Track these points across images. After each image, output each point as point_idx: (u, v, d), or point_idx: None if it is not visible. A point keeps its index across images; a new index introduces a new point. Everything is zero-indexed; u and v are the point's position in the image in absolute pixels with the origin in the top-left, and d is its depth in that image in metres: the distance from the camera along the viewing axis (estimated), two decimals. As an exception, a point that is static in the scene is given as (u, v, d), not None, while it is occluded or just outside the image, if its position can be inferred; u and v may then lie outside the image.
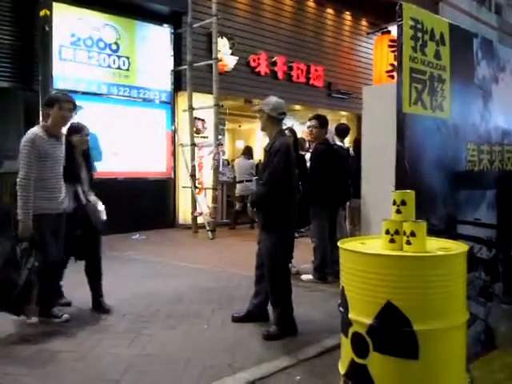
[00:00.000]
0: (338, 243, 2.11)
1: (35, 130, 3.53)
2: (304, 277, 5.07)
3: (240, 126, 13.96)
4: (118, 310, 4.02)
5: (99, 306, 3.98)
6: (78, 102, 7.77)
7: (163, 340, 3.39)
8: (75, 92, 7.58)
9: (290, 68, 10.94)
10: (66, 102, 3.65)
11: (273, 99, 3.63)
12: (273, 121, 3.58)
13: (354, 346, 2.00)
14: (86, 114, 7.77)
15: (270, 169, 3.43)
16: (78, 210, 3.87)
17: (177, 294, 4.52)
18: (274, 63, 10.63)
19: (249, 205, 3.74)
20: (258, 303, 3.74)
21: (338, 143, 5.86)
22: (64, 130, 3.85)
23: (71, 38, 7.69)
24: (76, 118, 7.74)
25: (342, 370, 2.08)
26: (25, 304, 3.38)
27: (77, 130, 3.92)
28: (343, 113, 12.81)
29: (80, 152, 3.97)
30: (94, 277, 4.02)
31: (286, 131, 4.65)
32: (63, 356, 3.09)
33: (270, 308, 3.69)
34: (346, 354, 2.05)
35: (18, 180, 3.44)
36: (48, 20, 7.24)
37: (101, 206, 4.10)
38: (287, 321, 3.51)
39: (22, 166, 3.45)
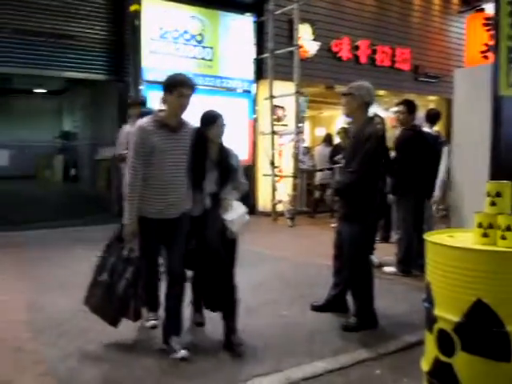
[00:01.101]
0: (425, 236, 2.02)
1: (143, 120, 2.97)
2: (387, 269, 4.93)
3: (321, 113, 13.77)
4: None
5: (230, 346, 3.02)
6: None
7: (241, 326, 3.47)
8: (163, 83, 7.91)
9: (374, 52, 10.57)
10: (186, 87, 2.94)
11: (365, 84, 3.52)
12: (364, 106, 3.49)
13: (439, 344, 1.92)
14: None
15: (361, 157, 3.32)
16: (203, 217, 3.09)
17: (256, 280, 4.60)
18: (357, 47, 10.34)
19: (330, 192, 3.65)
20: (336, 294, 3.71)
21: (427, 130, 5.58)
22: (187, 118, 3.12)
23: (159, 31, 8.01)
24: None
25: (425, 367, 2.01)
26: (120, 316, 3.05)
27: (211, 119, 3.13)
28: (431, 97, 12.16)
29: (216, 146, 3.14)
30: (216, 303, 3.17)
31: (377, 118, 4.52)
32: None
33: (349, 299, 3.64)
34: (430, 351, 1.97)
35: (126, 177, 2.97)
36: (138, 15, 7.62)
37: (233, 214, 3.13)
38: (367, 313, 3.45)
39: (129, 162, 2.95)
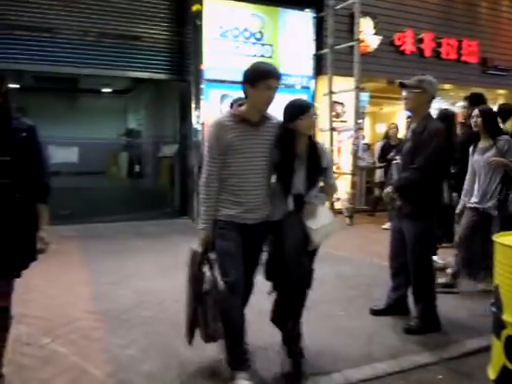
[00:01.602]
0: (493, 237, 1.92)
1: (221, 115, 2.72)
2: (451, 271, 4.73)
3: (381, 109, 13.42)
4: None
5: (298, 374, 2.66)
6: (225, 91, 8.37)
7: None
8: (223, 81, 8.04)
9: (439, 45, 10.15)
10: (274, 79, 2.58)
11: (432, 78, 3.39)
12: (429, 102, 3.37)
13: (507, 351, 1.82)
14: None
15: (428, 153, 3.19)
16: (283, 221, 2.67)
17: (315, 278, 4.56)
18: (421, 40, 9.97)
19: (390, 189, 3.46)
20: (397, 298, 3.59)
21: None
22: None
23: (219, 30, 8.12)
24: (222, 107, 8.27)
25: (492, 374, 1.92)
26: (192, 333, 2.68)
27: (301, 109, 2.70)
28: (500, 91, 11.51)
29: (305, 141, 2.70)
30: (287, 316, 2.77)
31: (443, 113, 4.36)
32: None
33: (410, 301, 3.53)
34: (498, 358, 1.87)
35: (201, 179, 2.67)
36: (199, 15, 7.77)
37: (318, 222, 2.67)
38: (430, 316, 3.33)
39: (204, 161, 2.64)
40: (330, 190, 2.88)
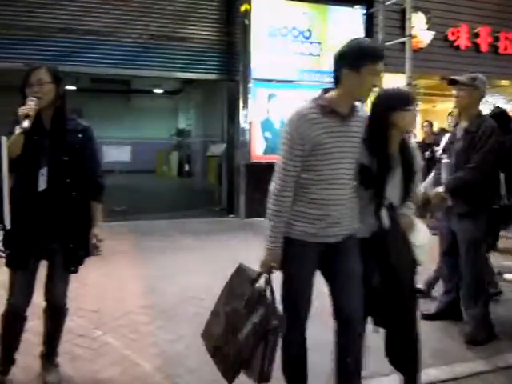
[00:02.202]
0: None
1: (303, 105, 2.10)
2: (508, 276, 4.51)
3: (434, 107, 12.99)
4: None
5: None
6: (272, 91, 8.37)
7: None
8: (270, 81, 8.06)
9: (496, 39, 9.69)
10: (380, 62, 2.02)
11: (483, 76, 3.27)
12: (480, 100, 3.24)
13: None
14: (279, 101, 8.22)
15: (484, 153, 3.07)
16: (375, 240, 2.19)
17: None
18: (477, 35, 9.56)
19: (441, 189, 3.31)
20: (449, 301, 3.47)
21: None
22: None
23: (268, 29, 8.13)
24: (269, 106, 8.27)
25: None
26: (237, 371, 2.13)
27: (403, 100, 2.21)
28: None
29: (397, 139, 2.24)
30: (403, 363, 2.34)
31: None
32: None
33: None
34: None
35: (271, 186, 2.11)
36: (248, 14, 7.82)
37: (422, 238, 2.28)
38: (484, 322, 3.19)
39: (278, 163, 2.11)
40: (416, 199, 2.39)
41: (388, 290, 2.16)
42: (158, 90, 17.67)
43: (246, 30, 7.87)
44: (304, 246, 2.10)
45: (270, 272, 2.11)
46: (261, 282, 2.12)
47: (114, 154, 16.59)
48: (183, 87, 15.99)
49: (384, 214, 2.17)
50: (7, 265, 2.33)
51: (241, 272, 2.25)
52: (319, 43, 8.53)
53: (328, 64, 8.63)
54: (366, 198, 2.18)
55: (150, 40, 7.80)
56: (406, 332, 2.26)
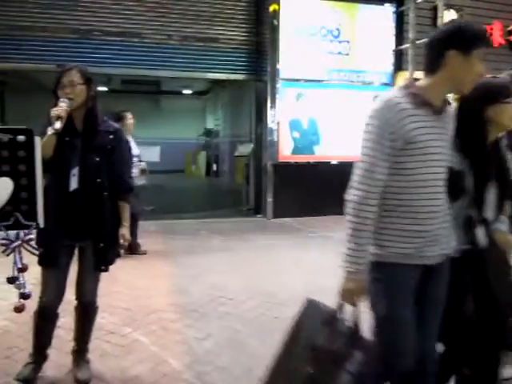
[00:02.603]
0: None
1: (390, 94, 1.72)
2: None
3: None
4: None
5: None
6: (300, 90, 8.34)
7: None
8: (298, 80, 8.04)
9: (531, 36, 9.40)
10: (488, 45, 1.72)
11: None
12: None
13: None
14: (307, 101, 8.19)
15: None
16: (471, 259, 1.84)
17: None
18: (510, 32, 9.28)
19: None
20: None
21: None
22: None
23: (296, 29, 8.11)
24: (297, 106, 8.25)
25: None
26: None
27: (504, 91, 1.90)
28: None
29: (494, 137, 1.92)
30: None
31: None
32: None
33: None
34: None
35: (351, 194, 1.68)
36: (277, 14, 7.82)
37: None
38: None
39: (360, 164, 1.69)
40: (505, 210, 2.01)
41: (484, 320, 1.79)
42: (186, 91, 17.85)
43: (274, 29, 7.87)
44: (398, 270, 1.68)
45: (354, 304, 1.69)
46: (345, 318, 1.71)
47: (144, 154, 16.81)
48: (211, 88, 16.10)
49: (480, 230, 1.81)
50: (39, 263, 2.37)
51: (312, 308, 1.79)
52: (348, 42, 8.45)
53: (358, 63, 8.56)
54: (454, 211, 1.79)
55: (180, 41, 7.89)
56: (493, 371, 1.86)
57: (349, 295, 1.69)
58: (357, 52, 8.53)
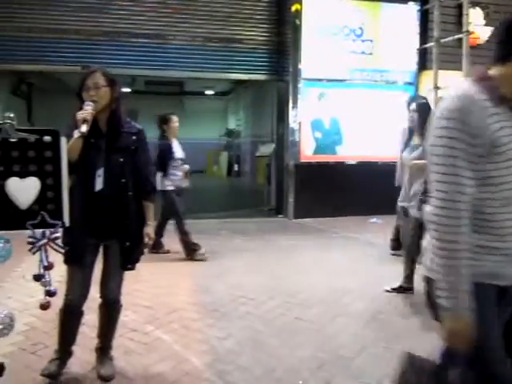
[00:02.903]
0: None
1: (464, 89, 1.45)
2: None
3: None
4: (363, 293, 4.13)
5: None
6: (322, 90, 8.30)
7: (396, 327, 3.32)
8: (320, 80, 8.00)
9: None
10: None
11: None
12: None
13: None
14: (329, 101, 8.14)
15: None
16: None
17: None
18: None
19: None
20: None
21: None
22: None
23: (319, 28, 8.07)
24: (319, 106, 8.20)
25: None
26: None
27: None
28: None
29: None
30: None
31: None
32: None
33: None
34: None
35: (433, 214, 1.43)
36: (299, 14, 7.80)
37: None
38: None
39: (438, 177, 1.43)
40: None
41: None
42: (209, 92, 17.95)
43: (296, 29, 7.85)
44: (483, 291, 1.43)
45: (463, 346, 1.41)
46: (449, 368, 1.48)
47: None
48: (233, 88, 16.16)
49: None
50: (65, 261, 2.42)
51: (413, 363, 1.60)
52: (371, 41, 8.37)
53: (381, 62, 8.47)
54: None
55: (203, 42, 7.94)
56: None
57: (454, 337, 1.41)
58: (380, 51, 8.44)
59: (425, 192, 3.54)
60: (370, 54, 8.38)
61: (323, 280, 4.47)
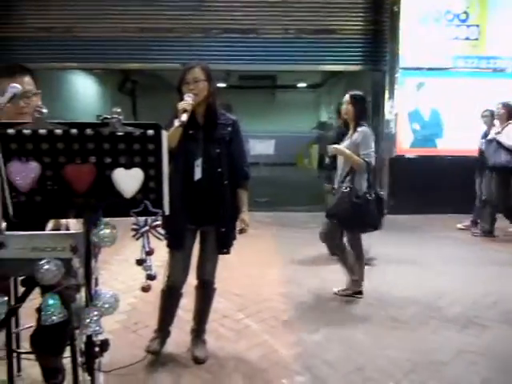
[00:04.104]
0: None
1: None
2: None
3: None
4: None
5: None
6: (422, 79, 7.89)
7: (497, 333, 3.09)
8: (420, 69, 7.62)
9: None
10: None
11: None
12: None
13: None
14: (429, 91, 7.72)
15: None
16: None
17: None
18: None
19: None
20: None
21: None
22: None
23: (419, 14, 7.67)
24: (418, 96, 7.83)
25: None
26: None
27: None
28: None
29: None
30: None
31: None
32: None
33: None
34: None
35: None
36: (397, 1, 7.47)
37: None
38: None
39: None
40: None
41: None
42: (301, 84, 17.89)
43: (394, 16, 7.53)
44: None
45: None
46: None
47: (259, 147, 17.25)
48: (326, 80, 15.94)
49: None
50: (168, 246, 2.60)
51: None
52: (477, 26, 7.77)
53: (488, 48, 7.85)
54: None
55: (296, 34, 7.90)
56: None
57: None
58: (487, 37, 7.81)
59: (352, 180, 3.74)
60: (476, 39, 7.79)
61: (418, 280, 4.29)
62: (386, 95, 7.73)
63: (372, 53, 8.06)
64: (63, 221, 1.78)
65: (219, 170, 2.58)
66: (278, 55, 7.95)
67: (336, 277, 4.32)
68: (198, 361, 2.71)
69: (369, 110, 4.10)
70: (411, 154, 7.74)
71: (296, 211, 7.97)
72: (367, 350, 2.89)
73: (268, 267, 4.68)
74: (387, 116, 7.72)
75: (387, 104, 7.72)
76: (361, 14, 7.99)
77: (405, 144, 7.73)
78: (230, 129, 2.62)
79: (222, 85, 14.53)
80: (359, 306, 3.65)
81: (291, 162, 17.88)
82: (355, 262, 3.84)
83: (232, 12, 7.78)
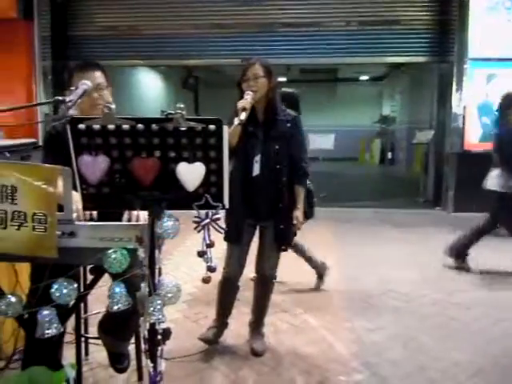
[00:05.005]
0: None
1: None
2: None
3: None
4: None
5: None
6: (492, 70, 7.47)
7: None
8: (490, 60, 7.21)
9: None
10: None
11: None
12: None
13: None
14: (500, 82, 7.29)
15: None
16: None
17: None
18: None
19: None
20: None
21: None
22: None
23: (489, 3, 7.25)
24: (488, 89, 7.42)
25: None
26: None
27: None
28: None
29: None
30: None
31: None
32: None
33: None
34: None
35: None
36: (468, -12, 7.11)
37: None
38: None
39: None
40: None
41: None
42: (363, 77, 17.50)
43: (463, 6, 7.16)
44: None
45: None
46: None
47: (318, 141, 17.04)
48: (388, 73, 15.49)
49: None
50: (225, 239, 2.64)
51: None
52: (557, 11, 7.24)
53: None
54: None
55: (358, 26, 7.73)
56: None
57: None
58: None
59: None
60: (554, 26, 7.26)
61: (483, 280, 4.09)
62: (454, 87, 7.38)
63: (439, 43, 7.72)
64: (135, 212, 1.87)
65: (278, 166, 2.58)
66: (340, 48, 7.81)
67: (398, 275, 4.22)
68: (256, 353, 2.75)
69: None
70: (479, 148, 7.36)
71: (357, 207, 7.83)
72: (430, 351, 2.80)
73: (329, 264, 4.62)
74: (454, 109, 7.37)
75: (454, 97, 7.37)
76: (425, 4, 7.68)
77: (473, 138, 7.36)
78: (289, 125, 2.61)
79: (282, 79, 14.50)
80: (421, 306, 3.54)
81: (351, 156, 17.56)
82: None
83: (293, 6, 7.73)
